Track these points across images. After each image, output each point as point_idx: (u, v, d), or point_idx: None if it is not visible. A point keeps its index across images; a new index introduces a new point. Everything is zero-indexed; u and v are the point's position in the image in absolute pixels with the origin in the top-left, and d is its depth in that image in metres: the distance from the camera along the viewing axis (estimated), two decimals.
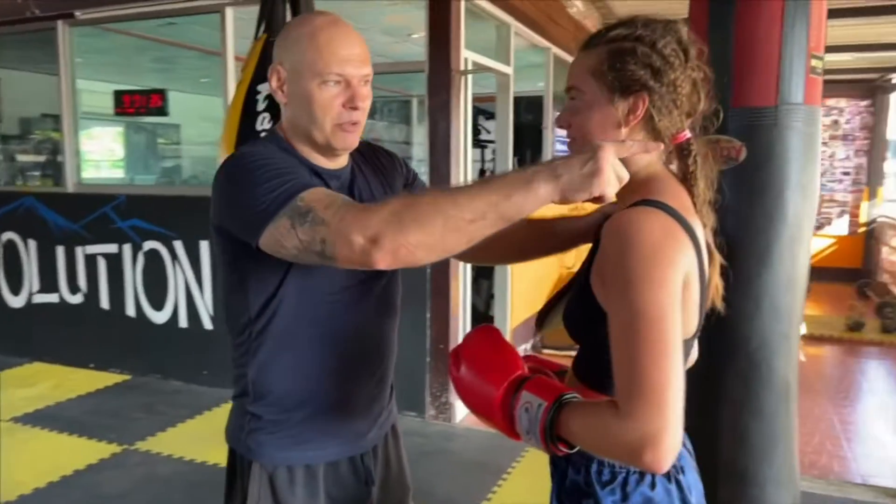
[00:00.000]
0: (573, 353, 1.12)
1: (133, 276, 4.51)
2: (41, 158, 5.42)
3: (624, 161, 0.98)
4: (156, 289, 4.45)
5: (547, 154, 5.72)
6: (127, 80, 6.58)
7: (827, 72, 1.93)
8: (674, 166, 1.09)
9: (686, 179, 1.06)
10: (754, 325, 1.84)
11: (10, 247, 4.90)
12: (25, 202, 4.83)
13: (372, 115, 4.78)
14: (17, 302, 4.94)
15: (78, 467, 3.25)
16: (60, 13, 4.53)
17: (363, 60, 1.18)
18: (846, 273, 8.00)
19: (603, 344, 0.94)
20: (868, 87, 8.43)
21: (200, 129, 7.69)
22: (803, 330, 2.90)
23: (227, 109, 2.33)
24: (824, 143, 8.57)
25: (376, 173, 1.34)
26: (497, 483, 3.13)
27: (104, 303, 4.62)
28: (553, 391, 0.96)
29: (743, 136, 1.80)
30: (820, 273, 6.74)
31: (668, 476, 1.03)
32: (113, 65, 6.42)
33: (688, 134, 1.06)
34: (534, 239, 1.36)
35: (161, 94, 4.57)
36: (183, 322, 4.40)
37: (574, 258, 1.36)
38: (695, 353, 1.20)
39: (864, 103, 8.56)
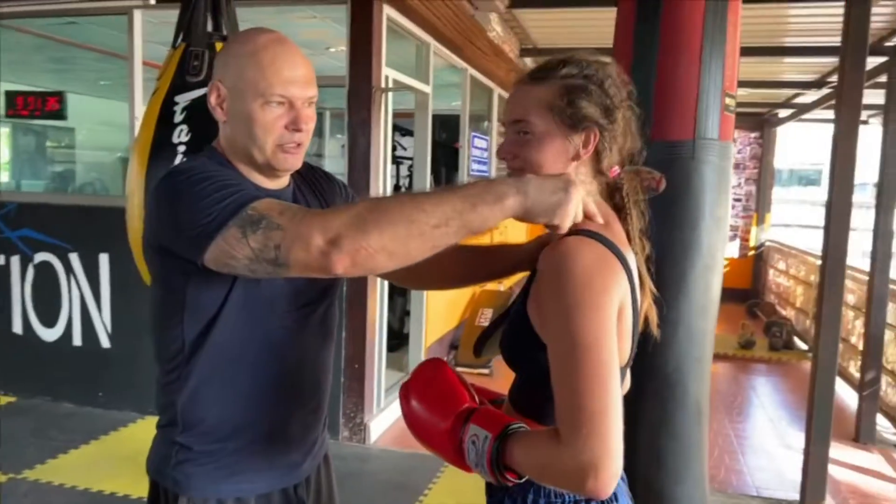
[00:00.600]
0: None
1: (21, 291, 4.19)
2: None
3: None
4: (47, 304, 4.16)
5: (463, 171, 5.78)
6: (19, 80, 6.16)
7: None
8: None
9: (619, 211, 1.11)
10: (671, 349, 1.91)
11: None
12: None
13: None
14: None
15: None
16: None
17: (308, 82, 1.14)
18: (737, 293, 8.50)
19: (540, 371, 0.95)
20: (757, 121, 9.10)
21: (97, 134, 7.29)
22: None
23: (142, 118, 2.21)
24: None
25: (316, 195, 1.31)
26: (416, 503, 3.10)
27: None
28: (499, 422, 0.96)
29: (662, 167, 1.83)
30: None
31: None
32: (4, 63, 5.99)
33: (618, 169, 1.11)
34: (471, 265, 1.36)
35: (59, 96, 4.32)
36: (77, 340, 4.13)
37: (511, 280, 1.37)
38: (628, 381, 1.23)
39: (753, 135, 9.21)
